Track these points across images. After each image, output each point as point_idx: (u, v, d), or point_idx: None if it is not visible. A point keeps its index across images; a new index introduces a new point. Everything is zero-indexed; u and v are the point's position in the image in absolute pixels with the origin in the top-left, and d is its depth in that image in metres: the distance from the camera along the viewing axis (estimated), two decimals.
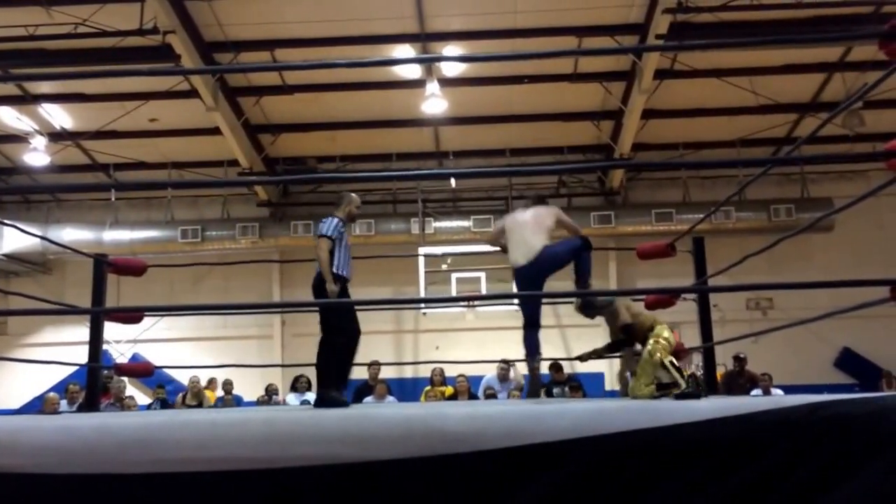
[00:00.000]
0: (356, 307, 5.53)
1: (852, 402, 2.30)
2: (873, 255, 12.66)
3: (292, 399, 9.63)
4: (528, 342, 5.07)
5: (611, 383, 12.63)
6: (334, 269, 5.00)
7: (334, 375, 5.11)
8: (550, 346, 12.26)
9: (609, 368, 12.23)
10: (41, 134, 12.21)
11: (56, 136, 12.43)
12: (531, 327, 5.05)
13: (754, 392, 8.86)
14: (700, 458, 2.21)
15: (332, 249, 5.02)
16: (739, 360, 9.37)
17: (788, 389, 9.16)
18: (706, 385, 6.43)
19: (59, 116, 12.22)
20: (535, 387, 5.17)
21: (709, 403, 2.67)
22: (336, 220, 5.14)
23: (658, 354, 4.45)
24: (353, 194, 5.31)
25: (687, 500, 2.20)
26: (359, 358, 9.00)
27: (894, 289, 2.96)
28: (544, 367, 10.22)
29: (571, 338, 13.00)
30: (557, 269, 4.90)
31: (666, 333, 4.55)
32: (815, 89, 11.91)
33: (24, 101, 11.68)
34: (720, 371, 8.59)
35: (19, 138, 12.37)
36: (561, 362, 9.66)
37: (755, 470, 2.19)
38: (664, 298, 5.85)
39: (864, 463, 2.15)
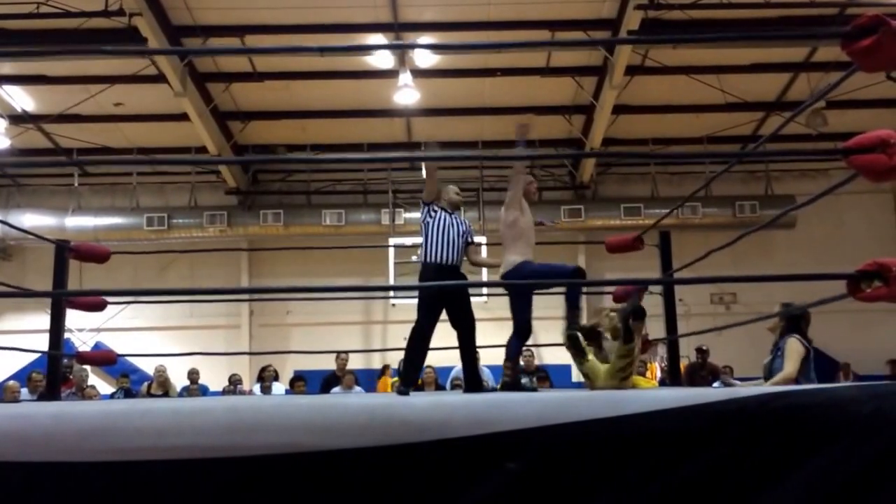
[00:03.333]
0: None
1: (805, 393, 2.37)
2: (833, 251, 12.86)
3: (257, 389, 9.58)
4: (512, 348, 5.06)
5: (577, 374, 12.72)
6: (423, 256, 5.12)
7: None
8: None
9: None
10: (1, 116, 11.91)
11: (17, 119, 12.14)
12: (520, 337, 5.04)
13: (716, 384, 8.98)
14: (658, 446, 2.26)
15: (426, 234, 5.16)
16: (702, 353, 9.52)
17: (749, 381, 9.29)
18: (670, 376, 6.51)
19: (21, 98, 11.94)
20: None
21: (669, 393, 2.72)
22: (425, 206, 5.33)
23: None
24: (448, 185, 5.47)
25: (644, 487, 2.24)
26: (326, 347, 8.97)
27: (851, 284, 3.00)
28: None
29: (539, 329, 13.03)
30: (541, 288, 5.01)
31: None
32: (780, 88, 12.09)
33: None
34: (684, 363, 8.71)
35: None
36: (531, 352, 9.70)
37: (710, 458, 2.24)
38: (631, 290, 5.90)
39: (816, 451, 2.21)
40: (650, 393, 3.12)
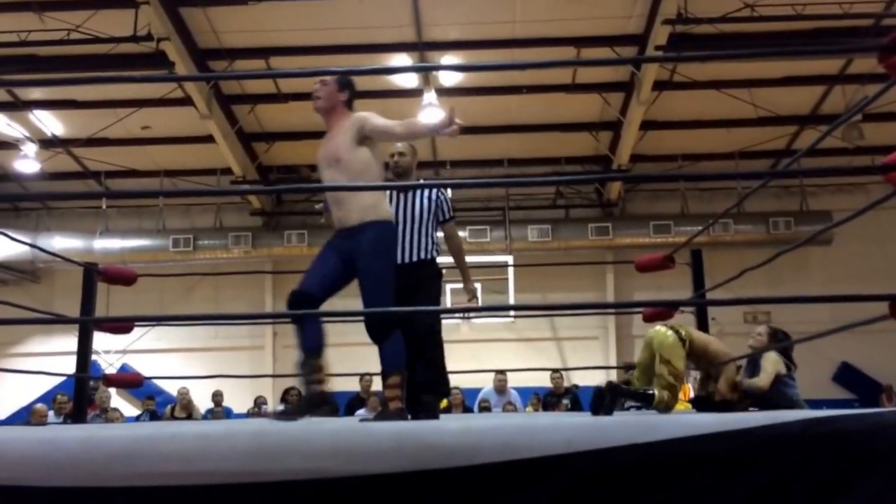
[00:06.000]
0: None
1: (849, 418, 2.26)
2: (873, 269, 12.54)
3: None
4: (398, 355, 3.81)
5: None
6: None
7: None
8: (545, 359, 12.31)
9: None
10: (32, 141, 12.09)
11: (47, 143, 12.30)
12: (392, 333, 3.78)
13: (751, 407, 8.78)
14: (694, 473, 2.17)
15: None
16: None
17: None
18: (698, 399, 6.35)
19: (51, 123, 12.11)
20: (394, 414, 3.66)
21: (705, 418, 2.62)
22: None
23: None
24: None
25: None
26: (350, 369, 8.88)
27: (893, 304, 2.87)
28: (545, 379, 10.12)
29: (568, 350, 12.93)
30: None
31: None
32: (814, 102, 11.87)
33: (15, 107, 11.57)
34: None
35: (10, 145, 12.26)
36: (560, 374, 9.58)
37: (750, 486, 2.16)
38: (662, 311, 5.76)
39: (860, 480, 2.13)
40: (686, 417, 3.01)
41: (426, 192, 4.39)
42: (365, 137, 3.67)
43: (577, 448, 2.20)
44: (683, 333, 4.59)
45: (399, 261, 4.17)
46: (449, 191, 4.51)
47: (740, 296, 10.21)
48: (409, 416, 3.76)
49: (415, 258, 4.27)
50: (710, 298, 6.73)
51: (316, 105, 3.90)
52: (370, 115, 3.72)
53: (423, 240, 4.29)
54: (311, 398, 3.69)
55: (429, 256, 4.30)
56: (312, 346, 3.75)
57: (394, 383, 3.75)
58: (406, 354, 3.85)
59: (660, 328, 4.63)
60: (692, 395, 10.14)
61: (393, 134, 3.67)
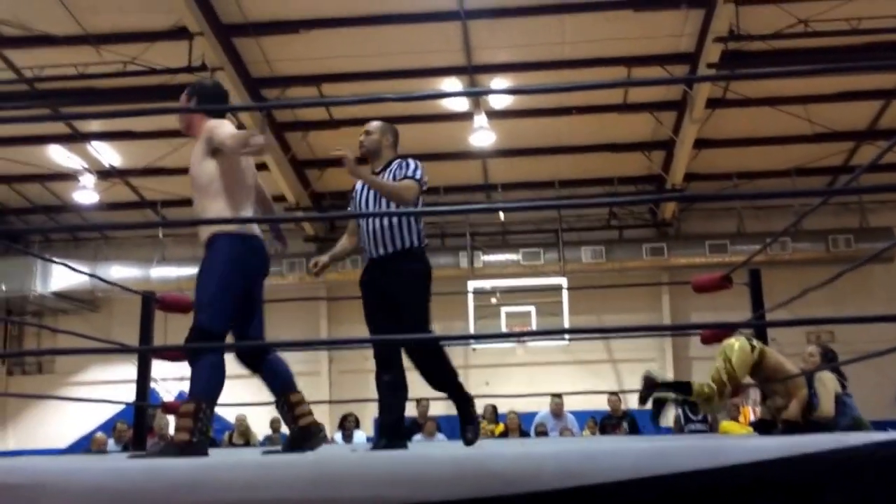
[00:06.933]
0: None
1: None
2: None
3: (339, 437, 9.54)
4: (209, 377, 3.49)
5: (664, 420, 12.36)
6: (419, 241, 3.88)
7: None
8: (601, 381, 12.13)
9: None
10: (90, 172, 12.42)
11: (105, 174, 12.63)
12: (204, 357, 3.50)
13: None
14: (760, 499, 2.08)
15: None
16: None
17: None
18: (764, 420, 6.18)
19: (108, 154, 12.41)
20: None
21: (770, 442, 2.54)
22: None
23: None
24: None
25: None
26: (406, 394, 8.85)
27: None
28: (601, 402, 9.96)
29: (624, 372, 12.71)
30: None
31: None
32: (872, 116, 11.57)
33: (73, 139, 11.90)
34: None
35: (69, 176, 12.61)
36: (618, 396, 9.43)
37: None
38: (720, 333, 5.65)
39: None
40: (750, 442, 2.93)
41: (390, 171, 3.95)
42: (216, 150, 3.36)
43: (640, 474, 2.15)
44: (756, 345, 4.69)
45: (372, 253, 3.93)
46: (417, 167, 4.09)
47: (800, 315, 9.95)
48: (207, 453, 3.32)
49: (389, 249, 3.87)
50: (769, 319, 6.57)
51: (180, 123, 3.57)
52: (219, 124, 3.38)
53: (392, 228, 3.87)
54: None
55: (403, 246, 3.86)
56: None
57: (186, 411, 3.30)
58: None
59: (733, 339, 4.78)
60: (752, 418, 9.93)
61: (226, 147, 3.31)
